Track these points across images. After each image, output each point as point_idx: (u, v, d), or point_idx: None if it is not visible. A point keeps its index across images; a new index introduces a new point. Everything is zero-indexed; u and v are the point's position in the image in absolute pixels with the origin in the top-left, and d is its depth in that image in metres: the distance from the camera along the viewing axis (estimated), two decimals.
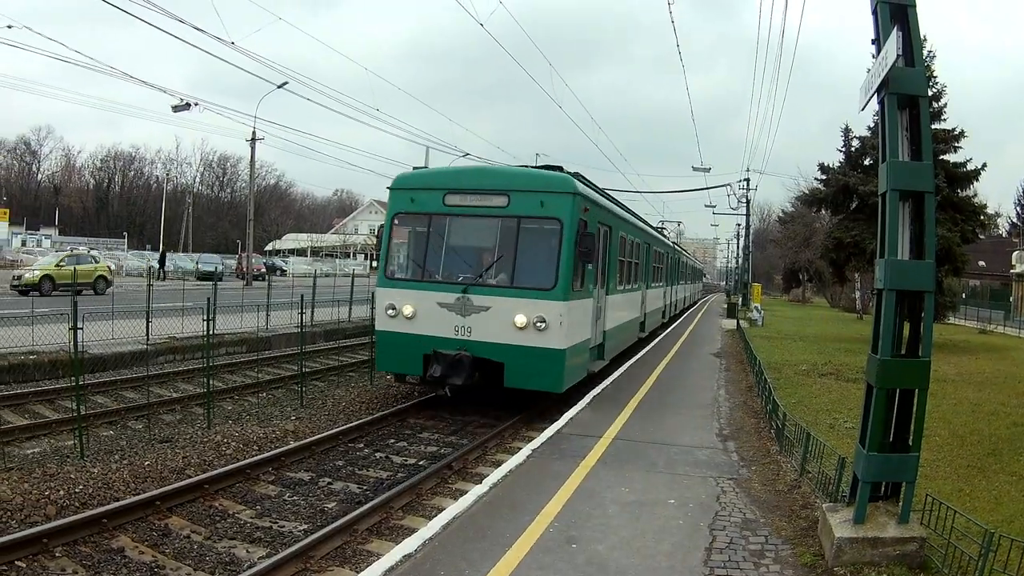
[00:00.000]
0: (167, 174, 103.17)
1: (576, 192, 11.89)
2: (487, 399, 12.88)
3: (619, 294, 16.95)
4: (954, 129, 28.47)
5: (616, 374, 15.72)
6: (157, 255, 55.39)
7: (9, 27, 18.91)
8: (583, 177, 13.55)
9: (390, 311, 12.41)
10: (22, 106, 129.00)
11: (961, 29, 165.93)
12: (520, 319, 11.42)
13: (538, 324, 11.34)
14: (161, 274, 44.21)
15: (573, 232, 11.57)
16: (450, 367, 11.45)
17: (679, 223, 62.74)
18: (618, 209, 17.37)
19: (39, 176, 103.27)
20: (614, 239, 15.70)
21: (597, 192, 14.88)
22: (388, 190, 13.27)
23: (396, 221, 12.98)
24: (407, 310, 12.17)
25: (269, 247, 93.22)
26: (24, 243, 69.50)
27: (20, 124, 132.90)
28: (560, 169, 13.15)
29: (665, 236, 34.27)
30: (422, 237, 12.71)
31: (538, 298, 11.47)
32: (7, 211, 72.15)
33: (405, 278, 12.81)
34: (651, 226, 27.94)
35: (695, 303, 60.32)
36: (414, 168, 14.09)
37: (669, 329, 28.09)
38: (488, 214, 12.16)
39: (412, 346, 12.04)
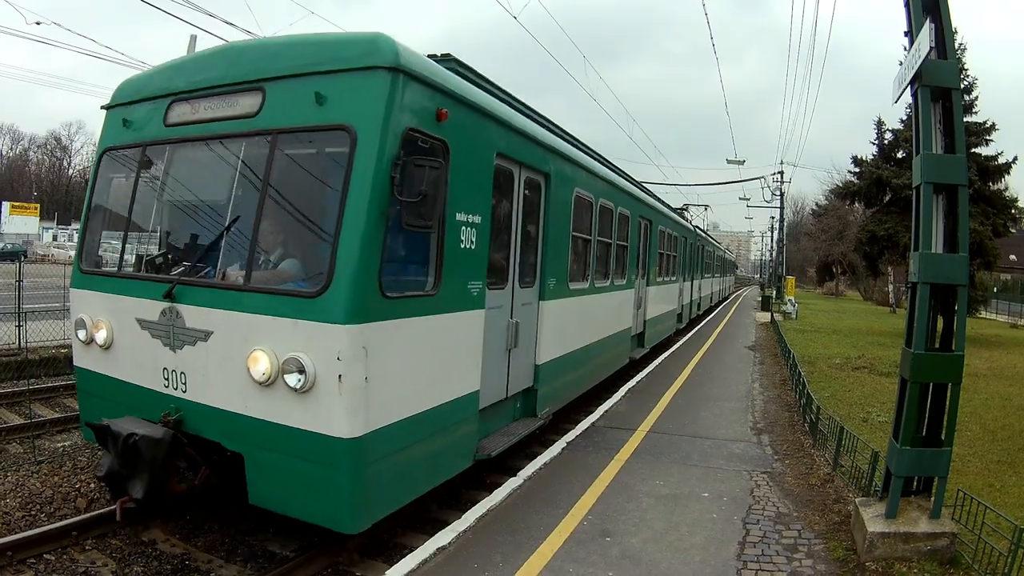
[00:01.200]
0: None
1: (398, 68, 5.49)
2: None
3: (580, 296, 10.62)
4: (985, 122, 28.26)
5: (650, 367, 15.71)
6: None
7: (37, 23, 19.13)
8: (456, 60, 7.30)
9: (81, 332, 7.02)
10: (55, 102, 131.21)
11: (981, 22, 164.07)
12: (258, 363, 5.40)
13: (291, 377, 5.26)
14: None
15: (384, 157, 5.33)
16: (123, 459, 5.73)
17: (706, 207, 51.06)
18: (571, 149, 10.19)
19: (70, 171, 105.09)
20: (558, 197, 9.27)
21: (496, 95, 7.90)
22: (102, 110, 7.45)
23: (103, 164, 7.31)
24: (100, 332, 6.75)
25: None
26: (55, 237, 70.79)
27: (52, 120, 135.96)
28: (450, 60, 7.18)
29: (687, 219, 28.24)
30: (128, 189, 6.99)
31: (294, 315, 5.35)
32: (38, 206, 73.37)
33: (100, 270, 7.22)
34: (660, 200, 20.72)
35: (726, 298, 58.15)
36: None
37: (694, 330, 26.24)
38: (228, 132, 6.14)
39: (112, 399, 6.65)
